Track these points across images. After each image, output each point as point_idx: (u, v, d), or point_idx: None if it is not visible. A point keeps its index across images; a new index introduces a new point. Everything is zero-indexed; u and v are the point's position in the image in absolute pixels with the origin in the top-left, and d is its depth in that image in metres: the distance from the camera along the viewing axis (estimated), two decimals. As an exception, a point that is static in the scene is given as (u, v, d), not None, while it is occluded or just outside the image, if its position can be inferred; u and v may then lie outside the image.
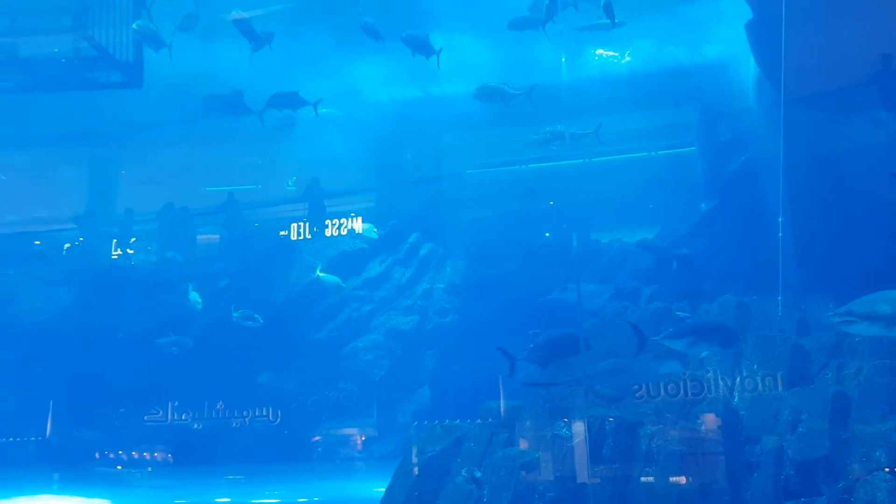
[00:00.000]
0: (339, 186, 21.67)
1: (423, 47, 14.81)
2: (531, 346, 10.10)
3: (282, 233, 20.65)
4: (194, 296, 17.26)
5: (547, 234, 20.36)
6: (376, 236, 18.84)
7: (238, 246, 20.68)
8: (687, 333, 9.46)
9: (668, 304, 13.76)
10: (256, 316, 16.13)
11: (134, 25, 14.01)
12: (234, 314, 16.21)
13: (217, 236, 21.62)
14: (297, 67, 19.50)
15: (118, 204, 22.92)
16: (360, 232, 18.53)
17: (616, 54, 20.57)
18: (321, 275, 17.10)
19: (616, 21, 15.26)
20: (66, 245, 21.77)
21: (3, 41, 14.71)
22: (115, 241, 21.53)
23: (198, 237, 21.40)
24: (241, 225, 21.55)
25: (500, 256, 19.05)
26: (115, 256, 21.28)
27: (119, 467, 17.35)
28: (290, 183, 23.38)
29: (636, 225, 18.95)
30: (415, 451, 10.39)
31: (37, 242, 21.63)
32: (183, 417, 17.40)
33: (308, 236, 20.27)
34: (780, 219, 11.82)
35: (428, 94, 21.50)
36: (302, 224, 20.37)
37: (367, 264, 19.76)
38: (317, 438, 17.65)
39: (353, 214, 20.31)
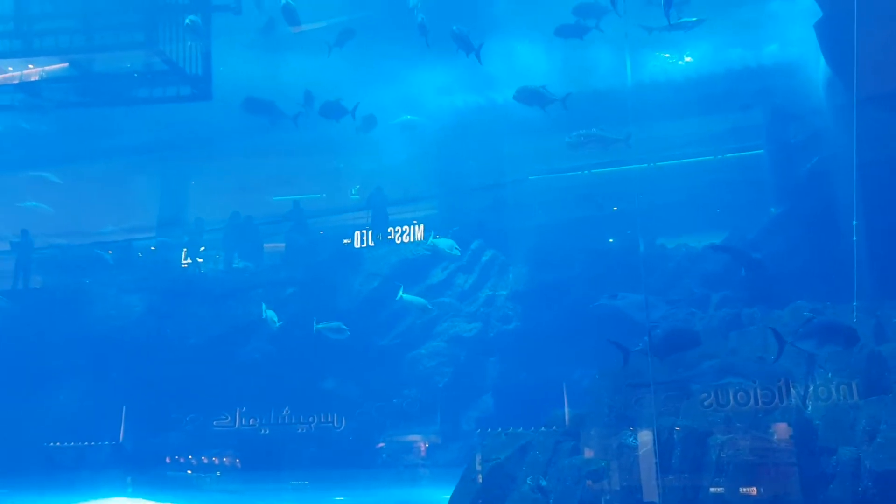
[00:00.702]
0: (402, 194, 21.83)
1: (464, 43, 14.82)
2: (647, 338, 10.04)
3: (345, 241, 20.91)
4: (270, 314, 17.42)
5: (611, 240, 20.12)
6: (458, 254, 18.10)
7: (303, 254, 20.99)
8: (814, 333, 9.24)
9: (738, 311, 13.45)
10: (343, 326, 16.14)
11: (187, 20, 14.30)
12: (318, 326, 16.21)
13: (283, 244, 22.00)
14: (362, 76, 19.79)
15: (188, 213, 23.55)
16: (441, 247, 17.88)
17: (669, 56, 20.23)
18: (405, 296, 16.89)
19: (697, 19, 15.13)
20: (139, 254, 22.44)
21: (79, 58, 15.29)
22: (185, 249, 22.11)
23: (264, 245, 21.80)
24: (307, 233, 21.88)
25: (563, 263, 18.87)
26: (186, 265, 21.85)
27: (189, 471, 17.73)
28: (353, 191, 23.69)
29: (703, 230, 18.57)
30: (479, 458, 10.34)
31: (109, 252, 22.34)
32: (250, 423, 17.72)
33: (371, 244, 20.48)
34: (853, 222, 11.44)
35: (490, 101, 21.53)
36: (365, 232, 20.61)
37: (430, 271, 19.77)
38: (381, 445, 17.75)
39: (415, 222, 20.44)
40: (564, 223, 20.10)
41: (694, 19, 16.06)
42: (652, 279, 17.36)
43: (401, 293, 16.79)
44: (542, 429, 10.55)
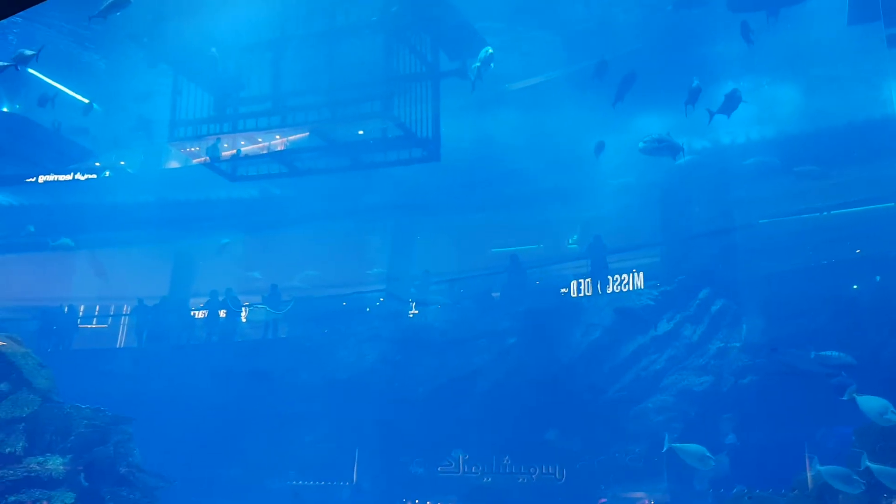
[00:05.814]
0: (623, 242, 21.41)
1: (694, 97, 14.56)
2: None
3: (562, 290, 20.80)
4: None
5: (855, 287, 18.42)
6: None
7: (524, 304, 21.15)
8: None
9: None
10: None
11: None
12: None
13: (503, 295, 22.32)
14: (581, 126, 19.89)
15: (416, 266, 24.67)
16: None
17: None
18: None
19: None
20: (377, 303, 23.73)
21: (325, 128, 16.70)
22: (412, 301, 23.15)
23: (487, 296, 22.26)
24: (525, 284, 22.06)
25: (803, 312, 17.44)
26: (413, 315, 22.83)
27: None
28: (571, 241, 23.65)
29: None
30: (724, 522, 9.78)
31: (344, 304, 23.87)
32: (473, 470, 17.97)
33: (588, 293, 20.19)
34: None
35: (716, 145, 20.72)
36: (583, 281, 20.35)
37: (655, 322, 19.12)
38: (603, 501, 17.24)
39: (634, 270, 19.89)
40: (801, 269, 18.70)
41: None
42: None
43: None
44: (795, 491, 9.79)
